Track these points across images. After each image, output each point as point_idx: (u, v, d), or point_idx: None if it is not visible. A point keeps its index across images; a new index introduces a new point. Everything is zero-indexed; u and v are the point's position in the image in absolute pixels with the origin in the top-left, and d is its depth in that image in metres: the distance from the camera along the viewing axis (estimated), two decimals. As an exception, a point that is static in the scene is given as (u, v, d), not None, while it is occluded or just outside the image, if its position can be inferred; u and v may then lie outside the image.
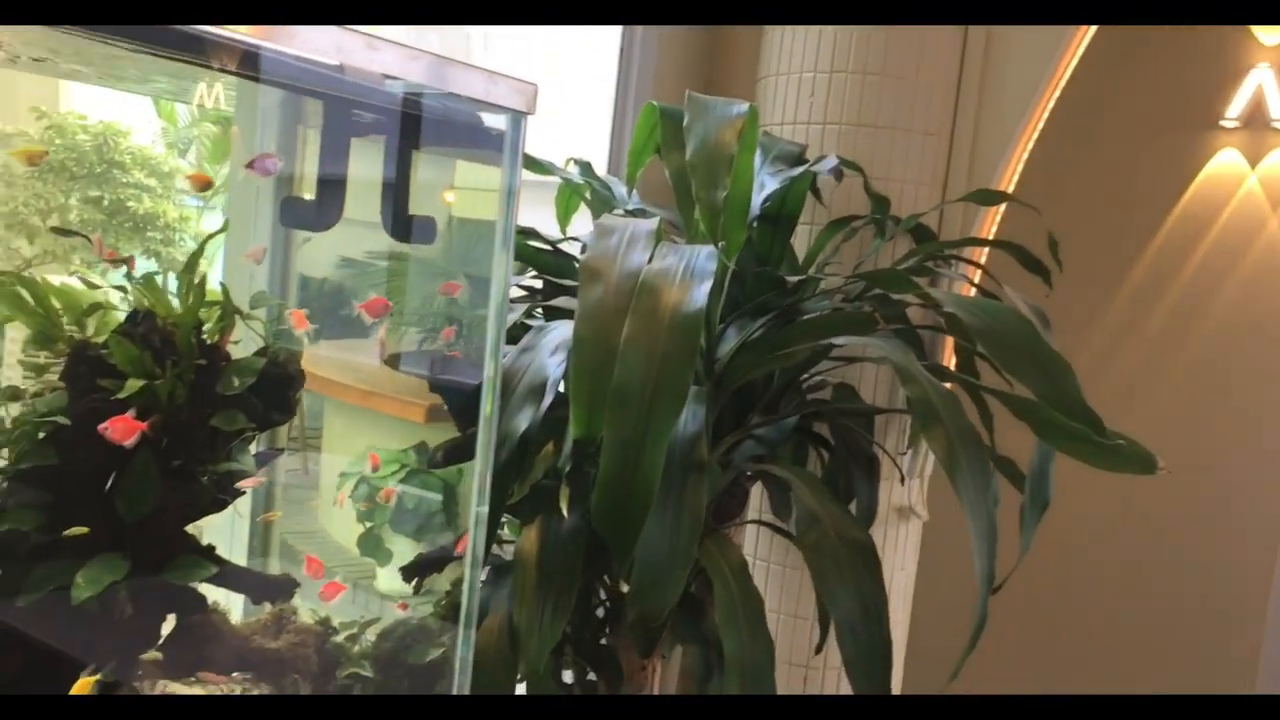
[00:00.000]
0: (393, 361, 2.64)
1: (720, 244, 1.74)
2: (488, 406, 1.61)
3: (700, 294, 1.61)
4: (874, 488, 2.28)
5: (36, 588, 1.27)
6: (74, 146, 5.78)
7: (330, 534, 2.60)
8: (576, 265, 2.30)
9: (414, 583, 1.76)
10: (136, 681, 1.40)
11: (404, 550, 3.35)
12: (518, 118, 1.53)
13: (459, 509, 3.00)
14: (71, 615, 1.31)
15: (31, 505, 1.29)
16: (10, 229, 5.44)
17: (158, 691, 1.41)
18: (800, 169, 2.17)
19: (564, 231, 2.53)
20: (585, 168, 2.32)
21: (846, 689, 2.70)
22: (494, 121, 1.55)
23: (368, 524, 2.81)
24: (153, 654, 1.46)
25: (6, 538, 1.27)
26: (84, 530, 1.24)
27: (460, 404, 1.89)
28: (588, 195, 2.31)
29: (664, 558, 1.69)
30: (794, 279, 2.03)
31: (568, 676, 2.23)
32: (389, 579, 3.01)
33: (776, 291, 2.07)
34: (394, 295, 2.26)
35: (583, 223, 2.58)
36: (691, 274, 1.65)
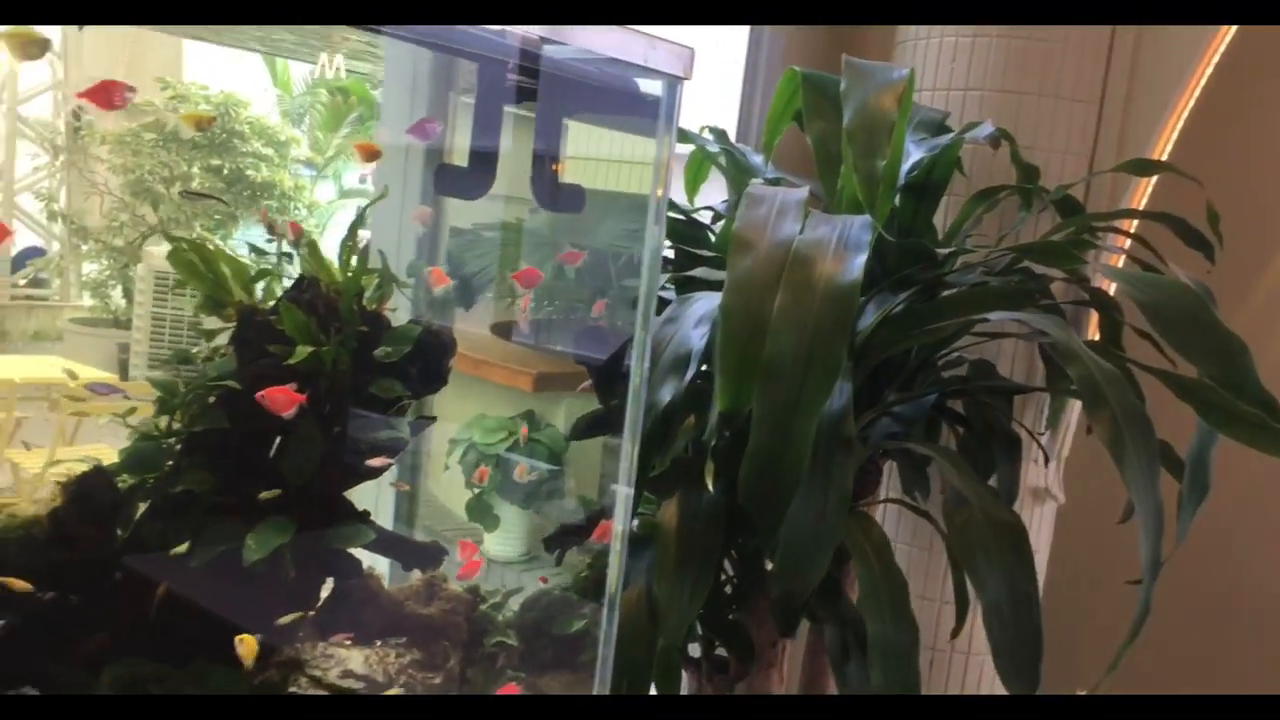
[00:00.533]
0: (503, 330, 2.64)
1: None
2: (636, 379, 1.59)
3: (855, 266, 1.57)
4: (1015, 468, 2.21)
5: (209, 549, 1.30)
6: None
7: (440, 499, 2.62)
8: (710, 235, 2.26)
9: (555, 554, 1.76)
10: (297, 643, 1.43)
11: (509, 517, 3.38)
12: (674, 83, 1.50)
13: (566, 476, 3.01)
14: (239, 576, 1.33)
15: (204, 467, 1.31)
16: (137, 196, 5.62)
17: (317, 654, 1.43)
18: (946, 137, 2.09)
19: (692, 201, 2.49)
20: (720, 135, 2.28)
21: (975, 675, 2.64)
22: (648, 88, 1.52)
23: (476, 490, 2.83)
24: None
25: (181, 498, 1.30)
26: (277, 492, 1.26)
27: (604, 376, 1.87)
28: (722, 162, 2.27)
29: (810, 535, 1.66)
30: (944, 251, 1.96)
31: (691, 651, 2.21)
32: (498, 544, 3.04)
33: (920, 265, 2.00)
34: (509, 265, 2.26)
35: (712, 191, 2.54)
36: (846, 245, 1.60)
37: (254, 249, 1.38)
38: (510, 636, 1.58)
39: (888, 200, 1.83)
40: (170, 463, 1.31)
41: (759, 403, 1.56)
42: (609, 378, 1.91)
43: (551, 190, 1.58)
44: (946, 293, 2.00)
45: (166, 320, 5.77)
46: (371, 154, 1.36)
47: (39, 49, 1.05)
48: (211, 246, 1.31)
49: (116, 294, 6.89)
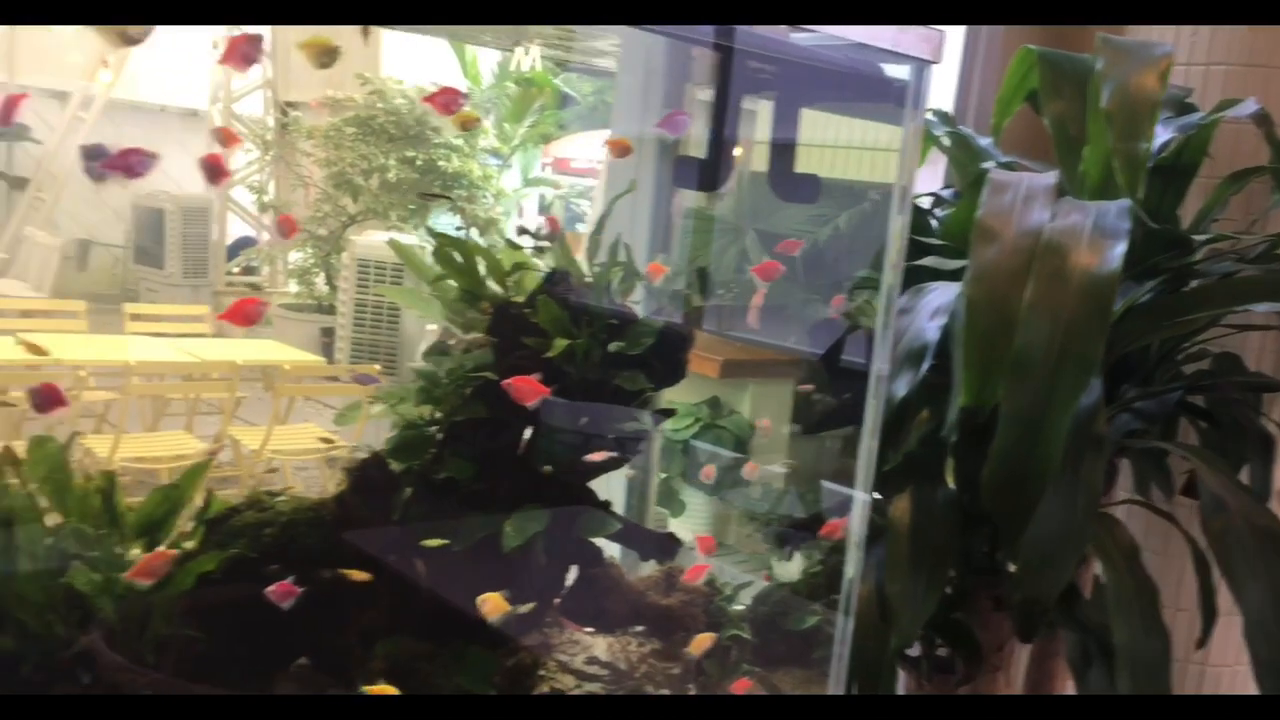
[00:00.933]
0: (694, 319, 2.62)
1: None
2: (877, 372, 1.55)
3: (1114, 255, 1.48)
4: (1268, 468, 2.06)
5: (469, 535, 1.34)
6: (394, 110, 6.17)
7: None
8: (931, 221, 2.19)
9: (786, 550, 1.74)
10: (546, 627, 1.46)
11: (695, 502, 3.38)
12: (922, 67, 1.45)
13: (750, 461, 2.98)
14: (492, 561, 1.37)
15: (464, 456, 1.35)
16: (338, 187, 5.89)
17: (564, 640, 1.46)
18: (1196, 116, 1.96)
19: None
20: (945, 117, 2.20)
21: (1212, 688, 2.48)
22: (893, 72, 1.48)
23: (663, 475, 2.84)
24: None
25: (443, 485, 1.34)
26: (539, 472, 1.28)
27: (827, 369, 1.84)
28: (947, 145, 2.19)
29: (1057, 537, 1.59)
30: (1200, 238, 1.84)
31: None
32: (683, 530, 3.03)
33: (1169, 252, 1.88)
34: (699, 254, 2.24)
35: (929, 176, 2.46)
36: (1103, 232, 1.52)
37: (510, 244, 1.41)
38: (744, 630, 1.57)
39: (1140, 185, 1.73)
40: (432, 450, 1.36)
41: (1007, 399, 1.50)
42: (831, 370, 1.87)
43: (787, 180, 1.55)
44: (1197, 282, 1.87)
45: (368, 306, 6.05)
46: (622, 150, 1.37)
47: (330, 58, 1.09)
48: (469, 242, 1.35)
49: (320, 281, 7.29)
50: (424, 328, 6.07)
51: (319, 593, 1.21)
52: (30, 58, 6.69)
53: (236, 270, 8.20)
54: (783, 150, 1.52)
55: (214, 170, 1.17)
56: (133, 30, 0.89)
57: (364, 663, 1.29)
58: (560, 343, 1.30)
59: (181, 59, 7.94)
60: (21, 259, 6.59)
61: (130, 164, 0.98)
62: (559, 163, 9.02)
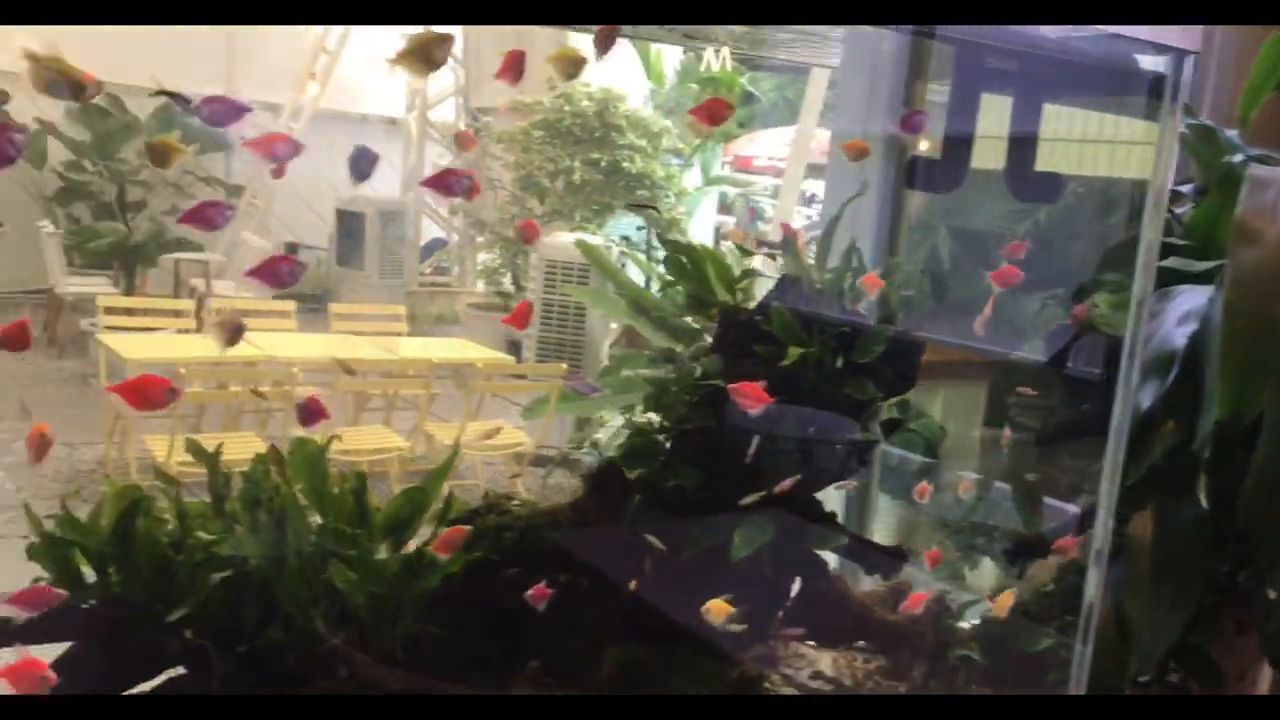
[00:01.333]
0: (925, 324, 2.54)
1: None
2: (1125, 382, 1.46)
3: (1403, 257, 1.35)
4: None
5: (697, 544, 1.33)
6: (580, 113, 6.25)
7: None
8: (1180, 221, 2.05)
9: (1017, 568, 1.66)
10: (770, 640, 1.44)
11: (883, 507, 3.27)
12: (1180, 57, 1.35)
13: (941, 467, 2.86)
14: (716, 570, 1.36)
15: (692, 464, 1.34)
16: (525, 189, 6.01)
17: (789, 653, 1.44)
18: None
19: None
20: (1184, 109, 2.05)
21: None
22: (1148, 64, 1.38)
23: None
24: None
25: (671, 492, 1.34)
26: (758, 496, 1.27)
27: (1059, 378, 1.74)
28: (1188, 138, 2.04)
29: (1326, 563, 1.46)
30: None
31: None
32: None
33: None
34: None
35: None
36: (1387, 232, 1.38)
37: (741, 249, 1.39)
38: (973, 650, 1.50)
39: None
40: (661, 458, 1.36)
41: (1272, 410, 1.39)
42: (1062, 377, 1.78)
43: (1026, 179, 1.48)
44: None
45: (554, 306, 6.17)
46: (860, 152, 1.33)
47: (577, 69, 1.10)
48: (699, 247, 1.34)
49: (506, 281, 7.50)
50: (608, 326, 6.13)
51: (553, 597, 1.23)
52: (246, 72, 7.15)
53: (429, 270, 8.52)
54: (1022, 147, 1.44)
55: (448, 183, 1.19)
56: (436, 56, 0.91)
57: (594, 668, 1.30)
58: (794, 351, 1.27)
59: (380, 70, 8.32)
60: (238, 261, 7.05)
61: (449, 184, 1.02)
62: (740, 161, 8.98)
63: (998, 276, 1.40)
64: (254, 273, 0.95)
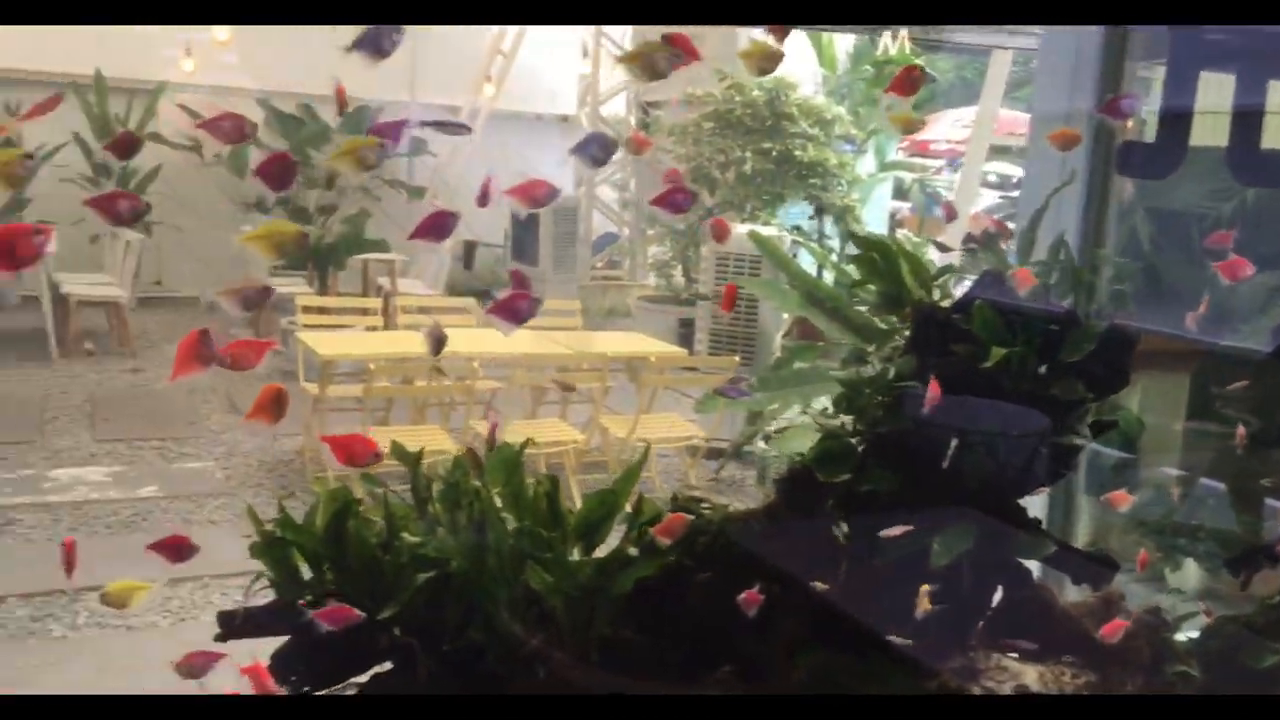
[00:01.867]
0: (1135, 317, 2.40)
1: None
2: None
3: None
4: None
5: (893, 550, 1.29)
6: (750, 103, 6.16)
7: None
8: None
9: (1240, 578, 1.54)
10: (970, 651, 1.38)
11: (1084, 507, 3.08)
12: None
13: (1141, 463, 2.68)
14: (912, 576, 1.31)
15: (888, 467, 1.30)
16: (696, 181, 5.96)
17: (991, 665, 1.37)
18: None
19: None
20: None
21: None
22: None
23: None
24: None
25: (868, 497, 1.30)
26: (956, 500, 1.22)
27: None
28: None
29: None
30: None
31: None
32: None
33: None
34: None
35: None
36: None
37: (940, 246, 1.34)
38: (1192, 666, 1.40)
39: None
40: (854, 461, 1.32)
41: None
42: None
43: (1252, 160, 1.36)
44: None
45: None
46: (1070, 141, 1.25)
47: (772, 63, 1.07)
48: (894, 244, 1.29)
49: (677, 274, 7.52)
50: (780, 318, 6.04)
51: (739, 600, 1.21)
52: (425, 75, 7.42)
53: (600, 264, 8.64)
54: (1246, 126, 1.33)
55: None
56: (659, 65, 0.91)
57: (786, 673, 1.28)
58: (997, 351, 1.21)
59: (552, 69, 8.50)
60: (420, 261, 7.32)
61: (676, 202, 1.03)
62: (917, 145, 8.71)
63: (1226, 268, 1.30)
64: (494, 310, 0.98)
